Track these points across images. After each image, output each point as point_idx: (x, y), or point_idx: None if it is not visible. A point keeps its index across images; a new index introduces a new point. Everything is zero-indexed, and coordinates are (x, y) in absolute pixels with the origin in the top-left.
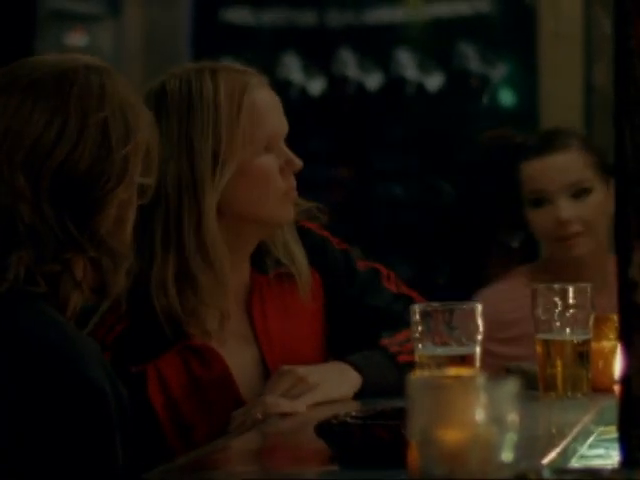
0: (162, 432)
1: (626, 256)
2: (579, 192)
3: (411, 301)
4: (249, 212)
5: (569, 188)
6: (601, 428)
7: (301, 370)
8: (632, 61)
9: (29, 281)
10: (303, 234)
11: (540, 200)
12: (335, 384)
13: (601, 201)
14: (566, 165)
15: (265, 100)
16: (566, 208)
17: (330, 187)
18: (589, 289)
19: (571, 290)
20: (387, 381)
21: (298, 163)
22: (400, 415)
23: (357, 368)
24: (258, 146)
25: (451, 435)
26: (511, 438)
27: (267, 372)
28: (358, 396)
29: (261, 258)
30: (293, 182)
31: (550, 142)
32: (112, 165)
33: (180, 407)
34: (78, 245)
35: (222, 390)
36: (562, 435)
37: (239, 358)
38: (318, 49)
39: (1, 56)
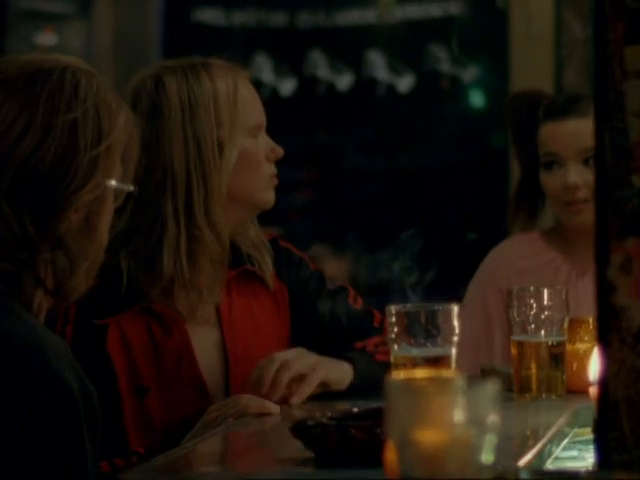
0: (118, 391)
1: (604, 258)
2: (590, 159)
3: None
4: (238, 194)
5: (581, 154)
6: (575, 430)
7: (291, 354)
8: (611, 65)
9: None
10: (281, 250)
11: (552, 163)
12: (331, 367)
13: None
14: (580, 130)
15: (252, 92)
16: (575, 173)
17: (299, 188)
18: (564, 291)
19: (546, 292)
20: (376, 374)
21: (281, 151)
22: (376, 415)
23: (348, 360)
24: (249, 134)
25: (430, 437)
26: (491, 440)
27: (226, 358)
28: (349, 391)
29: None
30: (275, 169)
31: (569, 106)
32: (77, 167)
33: (138, 366)
34: (34, 245)
35: (181, 360)
36: (537, 437)
37: (201, 337)
38: (289, 50)
39: None
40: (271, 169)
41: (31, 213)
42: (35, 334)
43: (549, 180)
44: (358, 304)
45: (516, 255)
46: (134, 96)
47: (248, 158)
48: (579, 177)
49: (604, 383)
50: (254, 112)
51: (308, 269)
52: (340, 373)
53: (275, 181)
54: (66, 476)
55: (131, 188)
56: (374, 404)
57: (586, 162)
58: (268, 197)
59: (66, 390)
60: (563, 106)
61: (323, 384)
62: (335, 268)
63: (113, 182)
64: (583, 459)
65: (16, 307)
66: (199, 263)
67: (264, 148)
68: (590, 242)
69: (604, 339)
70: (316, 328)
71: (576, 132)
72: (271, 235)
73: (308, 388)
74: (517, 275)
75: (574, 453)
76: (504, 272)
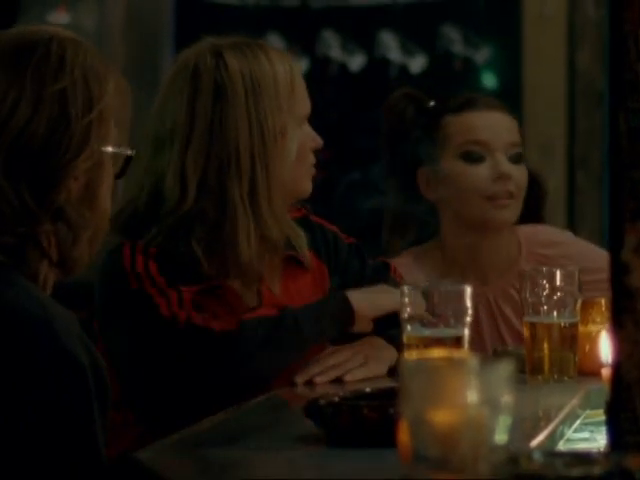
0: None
1: (618, 239)
2: (515, 156)
3: None
4: (285, 182)
5: (508, 147)
6: (587, 411)
7: (345, 351)
8: (626, 45)
9: None
10: (313, 227)
11: (477, 153)
12: (375, 362)
13: (526, 173)
14: (509, 124)
15: (303, 81)
16: (507, 165)
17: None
18: (577, 273)
19: (559, 273)
20: None
21: (321, 141)
22: (388, 396)
23: (393, 343)
24: (300, 122)
25: (443, 417)
26: (505, 420)
27: None
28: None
29: None
30: (314, 158)
31: (484, 100)
32: (71, 136)
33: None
34: (34, 217)
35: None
36: (549, 418)
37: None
38: (301, 30)
39: None
40: (312, 158)
41: (29, 185)
42: (43, 307)
43: (473, 171)
44: (398, 277)
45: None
46: (193, 72)
47: (298, 147)
48: (509, 169)
49: (617, 365)
50: (305, 100)
51: (344, 244)
52: (382, 367)
53: (313, 170)
54: (77, 452)
55: (128, 152)
56: (387, 384)
57: (510, 159)
58: (307, 186)
59: (76, 364)
60: (480, 99)
61: None
62: None
63: (109, 148)
64: (595, 440)
65: (23, 281)
66: (261, 250)
67: (308, 137)
68: (469, 262)
69: (618, 321)
70: None
71: (504, 124)
72: (301, 212)
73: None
74: None
75: (586, 435)
76: None
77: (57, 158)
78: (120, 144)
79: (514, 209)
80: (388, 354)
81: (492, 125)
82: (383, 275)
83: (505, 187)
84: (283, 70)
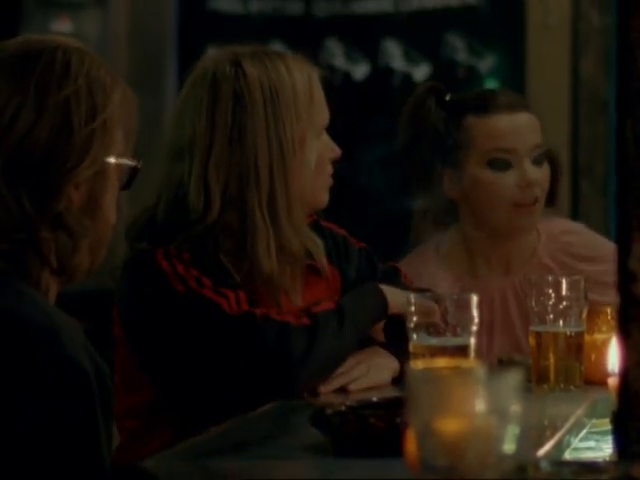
0: None
1: (626, 247)
2: (539, 157)
3: None
4: (303, 193)
5: (533, 150)
6: (593, 421)
7: (349, 360)
8: (633, 53)
9: None
10: (323, 231)
11: (504, 161)
12: (378, 371)
13: (549, 171)
14: (533, 125)
15: (321, 90)
16: (533, 170)
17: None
18: (582, 281)
19: (564, 282)
20: None
21: (339, 151)
22: (395, 405)
23: (396, 354)
24: (319, 133)
25: (451, 426)
26: (513, 430)
27: None
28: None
29: None
30: (332, 169)
31: (505, 99)
32: (73, 144)
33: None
34: (33, 224)
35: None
36: (555, 427)
37: None
38: (305, 38)
39: None
40: (330, 169)
41: (29, 193)
42: (48, 316)
43: (500, 179)
44: (409, 282)
45: (424, 275)
46: (212, 81)
47: (317, 158)
48: (535, 174)
49: (624, 373)
50: (324, 110)
51: (354, 248)
52: (385, 375)
53: (330, 181)
54: (80, 459)
55: (133, 163)
56: (392, 393)
57: (535, 161)
58: (325, 197)
59: (80, 372)
60: (502, 98)
61: None
62: None
63: (112, 159)
64: (600, 450)
65: (27, 289)
66: (282, 262)
67: (326, 147)
68: (492, 262)
69: (625, 329)
70: None
71: (530, 126)
72: (311, 217)
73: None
74: None
75: (591, 444)
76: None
77: (58, 166)
78: (126, 155)
79: (539, 212)
80: (391, 363)
81: (517, 130)
82: (394, 280)
83: (532, 194)
84: (302, 79)
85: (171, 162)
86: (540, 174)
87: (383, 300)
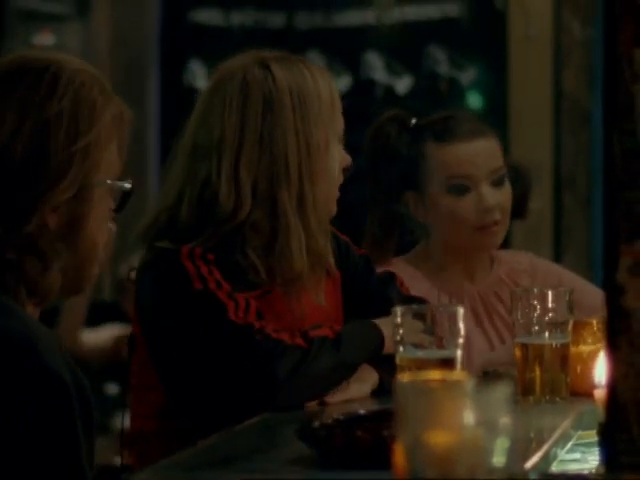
0: None
1: (613, 260)
2: (498, 179)
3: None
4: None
5: (491, 174)
6: (579, 432)
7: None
8: (620, 66)
9: None
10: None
11: (461, 187)
12: (358, 384)
13: (510, 190)
14: (490, 151)
15: (339, 99)
16: (491, 195)
17: None
18: (569, 294)
19: (550, 294)
20: None
21: (349, 160)
22: (381, 417)
23: (376, 367)
24: (338, 140)
25: (440, 438)
26: (503, 442)
27: None
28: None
29: None
30: (342, 177)
31: (466, 126)
32: (48, 168)
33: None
34: (1, 245)
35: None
36: (541, 439)
37: None
38: (287, 51)
39: None
40: (341, 178)
41: (0, 213)
42: (25, 326)
43: (459, 205)
44: (404, 289)
45: None
46: (242, 83)
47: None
48: (495, 199)
49: (612, 386)
50: (341, 119)
51: (355, 254)
52: (366, 388)
53: (337, 190)
54: (60, 471)
55: (124, 185)
56: (381, 406)
57: (494, 183)
58: (334, 206)
59: (60, 384)
60: (463, 126)
61: None
62: None
63: (100, 179)
64: (586, 461)
65: (6, 301)
66: (310, 262)
67: (342, 156)
68: (457, 270)
69: (613, 342)
70: (366, 314)
71: (486, 152)
72: None
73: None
74: None
75: (577, 456)
76: None
77: (30, 188)
78: (119, 174)
79: (502, 231)
80: (370, 376)
81: (474, 156)
82: (390, 287)
83: (492, 217)
84: (325, 86)
85: (194, 161)
86: (500, 196)
87: (380, 338)
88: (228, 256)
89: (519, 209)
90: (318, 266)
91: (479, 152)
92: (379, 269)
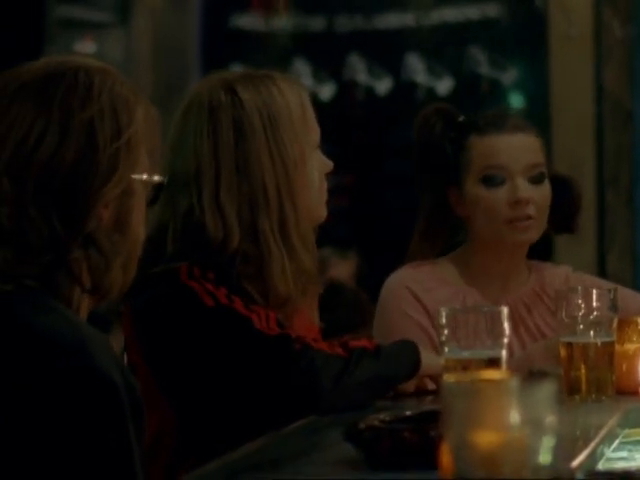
0: None
1: None
2: (536, 176)
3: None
4: (310, 210)
5: (528, 170)
6: (626, 431)
7: None
8: None
9: (17, 279)
10: None
11: (496, 177)
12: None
13: (550, 191)
14: (529, 145)
15: (312, 108)
16: (525, 188)
17: (339, 192)
18: (613, 292)
19: (594, 292)
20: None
21: (331, 164)
22: (428, 418)
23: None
24: (314, 149)
25: (486, 438)
26: (549, 441)
27: None
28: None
29: None
30: (326, 182)
31: (512, 120)
32: (99, 163)
33: None
34: (64, 246)
35: None
36: (588, 438)
37: None
38: (328, 54)
39: (11, 64)
40: (325, 184)
41: (59, 214)
42: (76, 329)
43: (491, 195)
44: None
45: (421, 287)
46: (209, 110)
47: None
48: (527, 192)
49: None
50: (316, 126)
51: None
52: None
53: (326, 195)
54: (114, 474)
55: (157, 179)
56: (427, 407)
57: (531, 180)
58: (324, 212)
59: (111, 387)
60: (504, 119)
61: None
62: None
63: (138, 175)
64: (634, 459)
65: (55, 305)
66: (297, 282)
67: (321, 163)
68: (493, 273)
69: None
70: None
71: (524, 146)
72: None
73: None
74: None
75: (624, 454)
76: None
77: (86, 186)
78: (150, 172)
79: (535, 230)
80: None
81: (512, 148)
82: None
83: (524, 211)
84: (294, 99)
85: (174, 193)
86: (536, 192)
87: (417, 360)
88: (226, 284)
89: (568, 223)
90: (309, 286)
91: (517, 145)
92: (423, 268)
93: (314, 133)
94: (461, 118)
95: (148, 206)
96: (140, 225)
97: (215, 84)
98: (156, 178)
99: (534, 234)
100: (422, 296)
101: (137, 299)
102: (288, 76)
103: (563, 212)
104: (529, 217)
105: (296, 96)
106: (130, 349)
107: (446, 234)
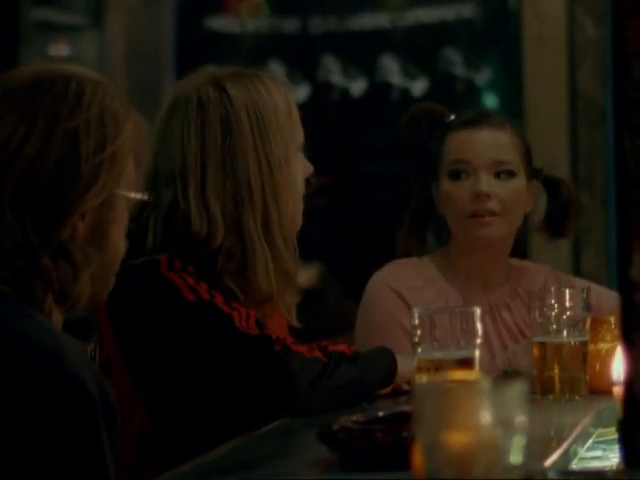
0: None
1: (626, 258)
2: (502, 173)
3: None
4: (294, 212)
5: (494, 165)
6: (599, 430)
7: None
8: (629, 64)
9: None
10: None
11: (459, 172)
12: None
13: (522, 189)
14: (495, 141)
15: (297, 110)
16: (486, 182)
17: (314, 193)
18: (586, 291)
19: (567, 292)
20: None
21: (312, 168)
22: (401, 419)
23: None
24: (298, 151)
25: (457, 439)
26: (519, 441)
27: None
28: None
29: None
30: (304, 187)
31: (484, 118)
32: (79, 174)
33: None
34: (35, 252)
35: None
36: (561, 437)
37: None
38: (302, 56)
39: None
40: (303, 188)
41: (34, 220)
42: (51, 335)
43: (455, 189)
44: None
45: (405, 286)
46: (198, 106)
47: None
48: (490, 187)
49: (629, 382)
50: (301, 129)
51: None
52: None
53: (302, 205)
54: (83, 473)
55: (141, 196)
56: (400, 408)
57: (497, 175)
58: (300, 220)
59: (84, 393)
60: (477, 116)
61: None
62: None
63: (120, 191)
64: (607, 459)
65: (30, 310)
66: (279, 282)
67: (303, 166)
68: (477, 272)
69: (628, 339)
70: None
71: (490, 142)
72: None
73: None
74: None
75: (598, 453)
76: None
77: (63, 195)
78: (137, 186)
79: (499, 226)
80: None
81: (478, 143)
82: None
83: (484, 206)
84: (281, 100)
85: (157, 187)
86: (502, 188)
87: (394, 368)
88: (207, 279)
89: (561, 226)
90: (289, 286)
91: (483, 140)
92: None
93: (299, 134)
94: (452, 117)
95: (131, 222)
96: (120, 238)
97: (203, 80)
98: (138, 195)
99: (497, 230)
100: (406, 294)
101: (114, 291)
102: (275, 77)
103: (556, 215)
104: (492, 212)
105: (283, 96)
106: (104, 343)
107: (426, 232)
